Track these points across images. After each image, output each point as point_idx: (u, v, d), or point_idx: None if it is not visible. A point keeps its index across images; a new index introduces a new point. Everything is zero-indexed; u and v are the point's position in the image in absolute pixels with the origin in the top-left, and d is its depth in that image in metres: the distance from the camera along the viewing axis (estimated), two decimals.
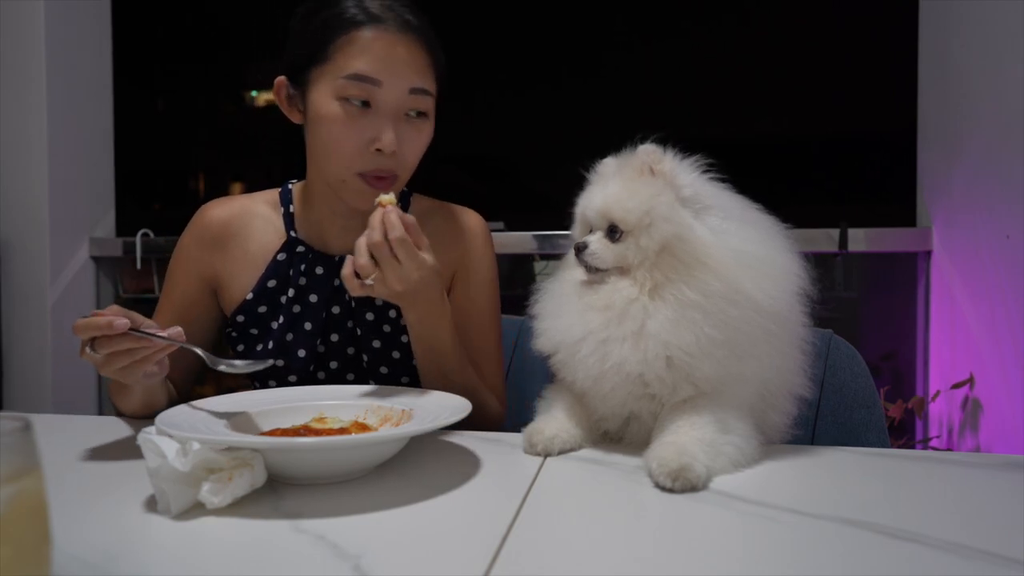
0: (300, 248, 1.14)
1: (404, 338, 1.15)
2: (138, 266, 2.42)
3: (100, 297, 2.51)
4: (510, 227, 2.17)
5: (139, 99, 2.60)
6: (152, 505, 0.70)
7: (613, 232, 0.88)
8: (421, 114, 1.05)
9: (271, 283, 1.14)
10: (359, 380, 1.16)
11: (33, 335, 2.35)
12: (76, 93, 2.42)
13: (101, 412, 2.50)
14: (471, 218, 1.21)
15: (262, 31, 2.55)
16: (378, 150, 1.02)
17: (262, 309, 1.14)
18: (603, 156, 0.94)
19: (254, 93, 2.65)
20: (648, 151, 0.87)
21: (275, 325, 1.13)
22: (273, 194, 1.19)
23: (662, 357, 0.83)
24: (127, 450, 0.89)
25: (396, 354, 1.15)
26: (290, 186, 1.20)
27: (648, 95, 2.24)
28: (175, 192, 2.76)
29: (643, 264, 0.86)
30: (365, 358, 1.15)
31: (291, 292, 1.13)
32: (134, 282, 2.53)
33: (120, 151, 2.56)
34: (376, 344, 1.14)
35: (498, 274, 1.23)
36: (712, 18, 2.24)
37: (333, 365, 1.15)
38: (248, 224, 1.16)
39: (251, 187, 2.72)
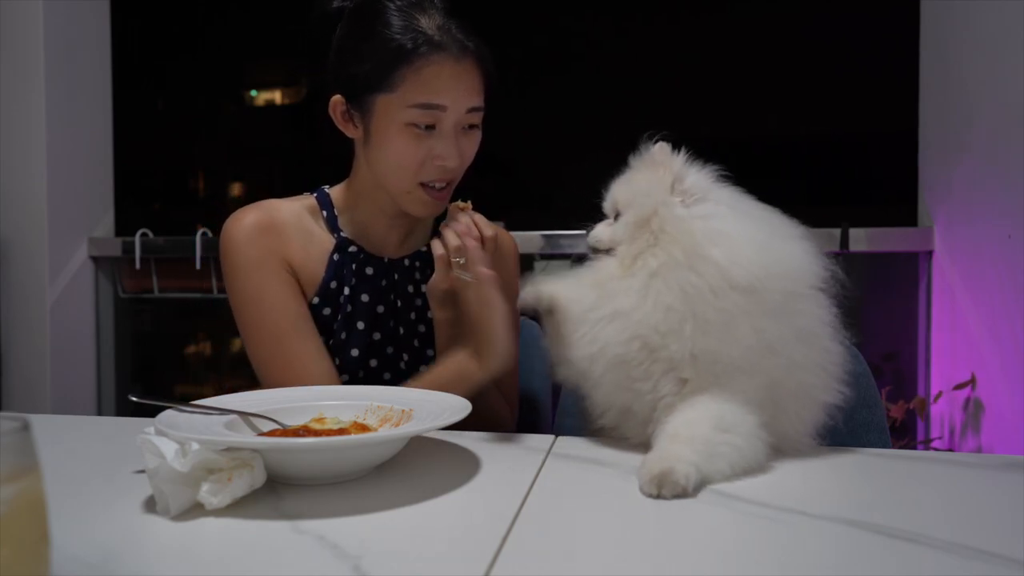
0: (352, 248, 1.16)
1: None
2: (137, 266, 2.41)
3: (99, 297, 2.51)
4: (511, 227, 2.16)
5: (138, 99, 2.60)
6: (151, 505, 0.70)
7: (616, 216, 0.93)
8: (474, 126, 1.11)
9: (332, 284, 1.14)
10: (395, 378, 1.17)
11: (32, 335, 2.35)
12: (75, 93, 2.42)
13: (101, 412, 2.50)
14: (506, 238, 1.27)
15: (262, 31, 2.55)
16: (441, 165, 1.07)
17: (327, 311, 1.14)
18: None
19: (254, 93, 2.66)
20: (659, 148, 0.91)
21: (335, 326, 1.14)
22: (307, 200, 1.18)
23: (638, 338, 0.84)
24: (127, 450, 0.89)
25: (430, 352, 1.18)
26: (326, 190, 1.20)
27: (650, 95, 2.24)
28: (174, 192, 2.76)
29: (625, 240, 0.89)
30: (405, 357, 1.17)
31: (346, 291, 1.15)
32: (133, 282, 2.53)
33: (119, 151, 2.55)
34: (416, 344, 1.18)
35: None
36: (715, 19, 2.24)
37: (373, 363, 1.16)
38: (287, 225, 1.14)
39: (251, 187, 2.74)
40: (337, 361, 1.13)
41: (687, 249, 0.84)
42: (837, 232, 2.02)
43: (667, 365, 0.84)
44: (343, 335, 1.14)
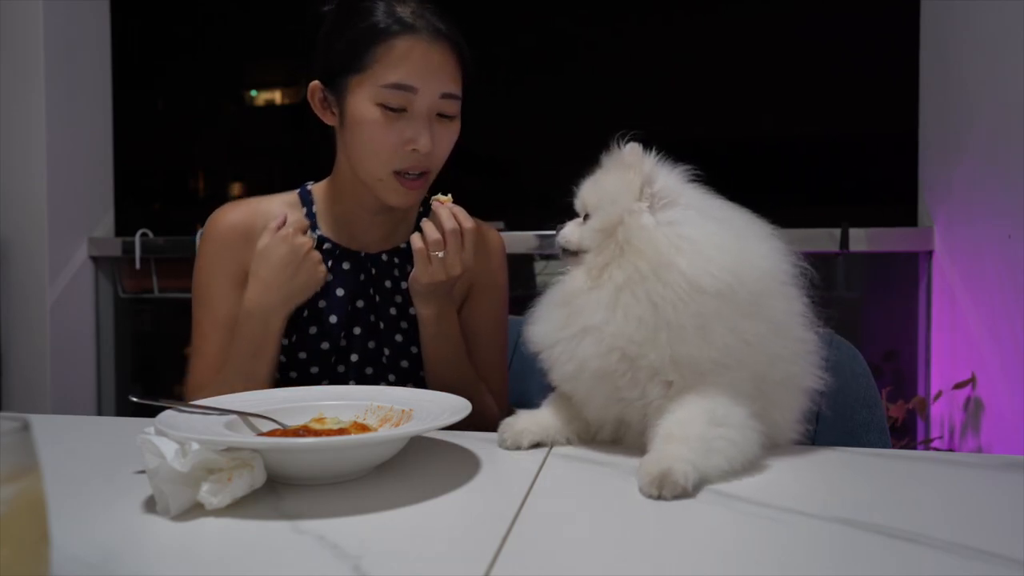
0: (327, 245, 1.17)
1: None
2: (137, 266, 2.41)
3: (99, 297, 2.51)
4: (509, 227, 2.17)
5: (138, 99, 2.60)
6: (151, 505, 0.70)
7: (586, 217, 0.92)
8: (451, 116, 1.11)
9: None
10: (377, 374, 1.17)
11: (32, 335, 2.35)
12: (75, 93, 2.42)
13: (101, 412, 2.50)
14: (493, 236, 1.27)
15: (262, 31, 2.54)
16: (414, 150, 1.07)
17: None
18: (603, 155, 0.94)
19: (254, 93, 2.65)
20: (630, 149, 0.89)
21: (300, 321, 1.15)
22: (291, 196, 1.21)
23: (616, 350, 0.83)
24: (126, 450, 0.89)
25: (414, 349, 1.18)
26: (308, 187, 1.22)
27: (649, 95, 2.24)
28: (174, 192, 2.76)
29: (592, 248, 0.89)
30: (386, 352, 1.17)
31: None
32: (133, 282, 2.53)
33: (119, 151, 2.55)
34: (398, 339, 1.17)
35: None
36: (714, 18, 2.24)
37: (354, 358, 1.16)
38: (267, 224, 1.15)
39: (251, 187, 2.74)
40: (304, 355, 1.14)
41: (652, 261, 0.83)
42: (837, 232, 2.02)
43: (650, 372, 0.84)
44: (312, 329, 1.14)
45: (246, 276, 1.14)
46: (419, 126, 1.07)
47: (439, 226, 1.06)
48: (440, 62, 1.07)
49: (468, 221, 1.07)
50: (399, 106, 1.06)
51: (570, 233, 0.92)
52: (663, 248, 0.83)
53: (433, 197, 1.10)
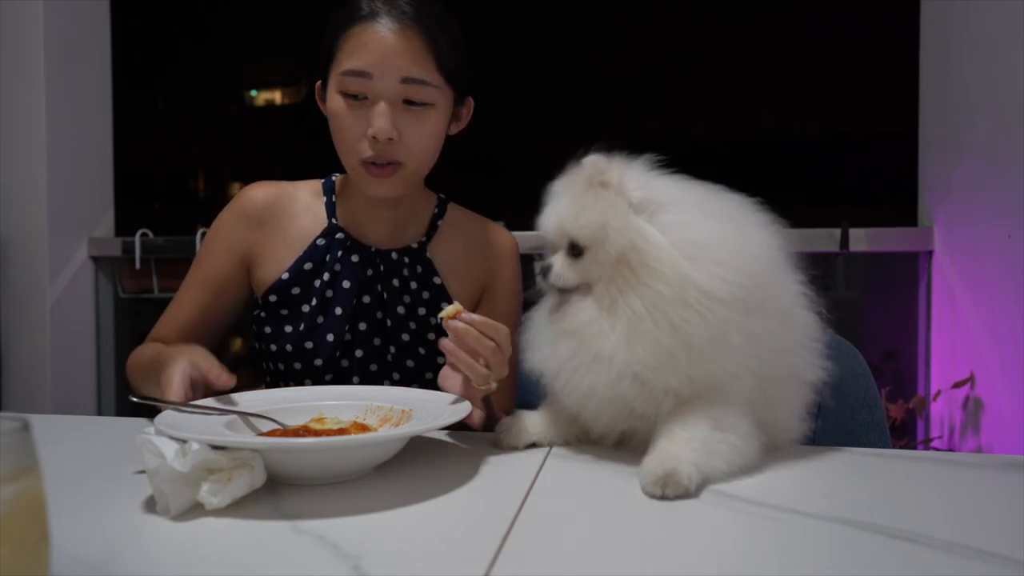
0: (339, 235, 1.18)
1: (431, 335, 1.18)
2: (137, 266, 2.41)
3: (99, 297, 2.51)
4: (509, 226, 2.16)
5: (138, 99, 2.60)
6: (151, 505, 0.70)
7: (574, 249, 0.87)
8: (423, 104, 1.07)
9: (307, 265, 1.16)
10: (382, 371, 1.17)
11: (32, 335, 2.35)
12: (75, 92, 2.42)
13: (101, 412, 2.50)
14: (506, 237, 1.27)
15: (262, 31, 2.54)
16: (374, 138, 1.06)
17: (295, 291, 1.16)
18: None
19: (254, 93, 2.65)
20: (592, 163, 0.85)
21: (306, 308, 1.15)
22: (316, 184, 1.23)
23: (627, 376, 0.81)
24: (126, 450, 0.89)
25: (422, 350, 1.18)
26: (333, 178, 1.24)
27: (648, 93, 2.23)
28: (174, 192, 2.76)
29: (602, 278, 0.84)
30: (392, 350, 1.17)
31: (326, 276, 1.16)
32: (133, 282, 2.53)
33: (119, 151, 2.55)
34: (405, 338, 1.17)
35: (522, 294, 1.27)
36: (713, 17, 2.24)
37: (358, 353, 1.16)
38: (290, 207, 1.20)
39: None
40: (310, 344, 1.14)
41: (673, 282, 0.79)
42: (837, 232, 2.02)
43: (664, 390, 0.82)
44: (319, 319, 1.15)
45: (245, 253, 1.18)
46: (374, 112, 1.05)
47: (463, 358, 0.92)
48: (401, 47, 1.04)
49: (488, 327, 0.93)
50: (357, 93, 1.05)
51: (564, 272, 0.87)
52: (678, 263, 0.80)
53: (441, 315, 0.94)
